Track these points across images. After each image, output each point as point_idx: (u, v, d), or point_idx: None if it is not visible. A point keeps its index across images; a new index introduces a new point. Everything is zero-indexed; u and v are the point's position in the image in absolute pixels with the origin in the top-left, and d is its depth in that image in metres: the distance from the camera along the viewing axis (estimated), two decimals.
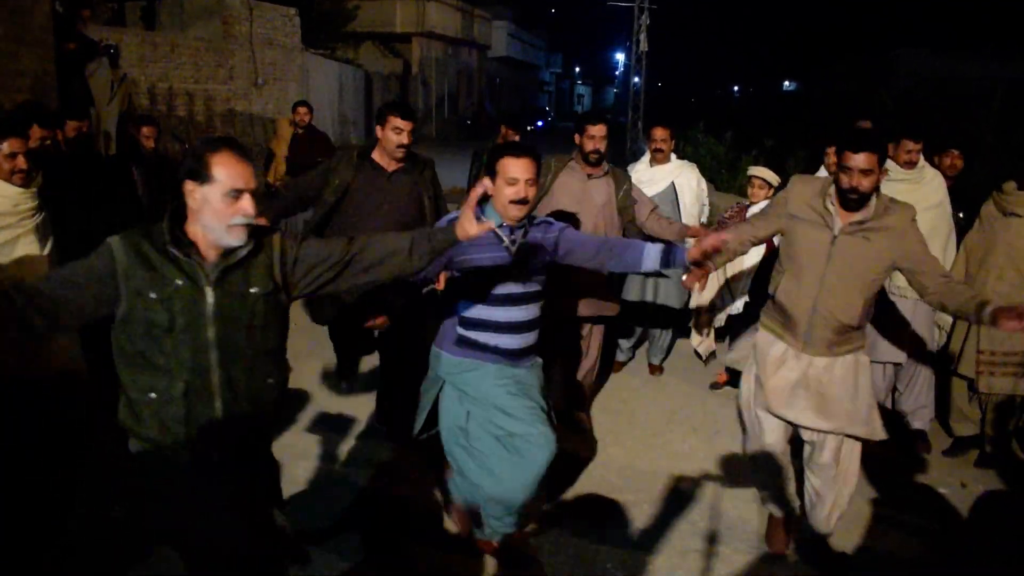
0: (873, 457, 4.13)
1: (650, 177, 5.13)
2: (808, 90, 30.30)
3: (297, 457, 4.00)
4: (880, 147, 2.89)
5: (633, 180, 5.13)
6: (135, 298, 2.01)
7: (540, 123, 37.26)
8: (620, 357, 5.54)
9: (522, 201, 2.76)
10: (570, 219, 3.92)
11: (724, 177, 13.32)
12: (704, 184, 5.39)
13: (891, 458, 4.25)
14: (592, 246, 2.89)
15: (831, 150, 4.67)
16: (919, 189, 4.10)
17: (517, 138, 5.86)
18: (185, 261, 2.03)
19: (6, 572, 2.88)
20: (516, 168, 2.76)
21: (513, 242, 2.81)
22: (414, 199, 3.95)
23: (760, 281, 4.70)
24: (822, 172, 4.86)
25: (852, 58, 22.36)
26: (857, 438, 3.14)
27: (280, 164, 7.58)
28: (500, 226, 2.79)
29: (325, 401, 4.71)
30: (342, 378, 4.96)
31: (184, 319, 2.02)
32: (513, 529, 3.12)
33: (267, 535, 2.26)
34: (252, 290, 2.10)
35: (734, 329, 5.20)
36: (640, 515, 3.64)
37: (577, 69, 74.77)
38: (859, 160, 2.82)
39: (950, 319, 4.30)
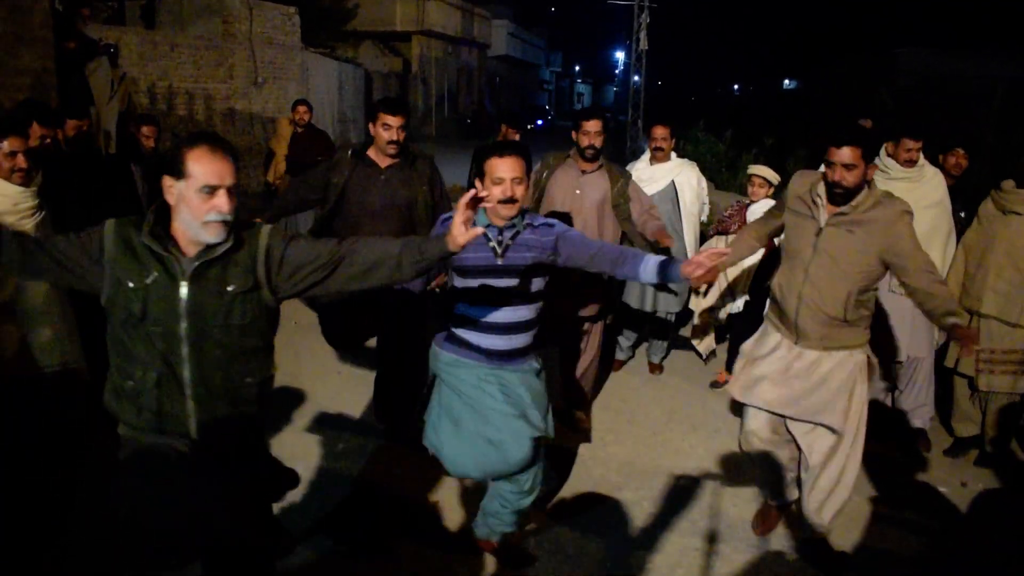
0: (873, 456, 4.14)
1: (650, 175, 5.14)
2: (808, 89, 30.27)
3: (297, 456, 4.00)
4: (864, 142, 2.96)
5: (633, 178, 5.16)
6: (116, 285, 2.06)
7: (540, 122, 37.24)
8: (620, 356, 5.54)
9: (510, 200, 2.75)
10: (564, 216, 3.96)
11: (724, 176, 13.34)
12: (704, 182, 5.39)
13: (891, 457, 4.26)
14: (591, 250, 2.83)
15: None
16: (919, 187, 4.11)
17: (517, 137, 5.85)
18: (163, 255, 2.05)
19: (6, 572, 2.88)
20: (502, 168, 2.75)
21: (500, 243, 2.81)
22: (407, 194, 3.96)
23: (760, 280, 4.72)
24: (823, 170, 4.86)
25: (852, 57, 22.38)
26: (831, 432, 3.17)
27: (280, 163, 7.57)
28: (488, 226, 2.80)
29: (325, 400, 4.71)
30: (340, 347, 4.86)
31: (157, 311, 2.05)
32: (513, 528, 3.13)
33: (243, 530, 2.24)
34: (229, 288, 2.09)
35: (734, 328, 5.21)
36: (640, 513, 3.64)
37: (577, 68, 74.77)
38: (841, 155, 2.92)
39: None
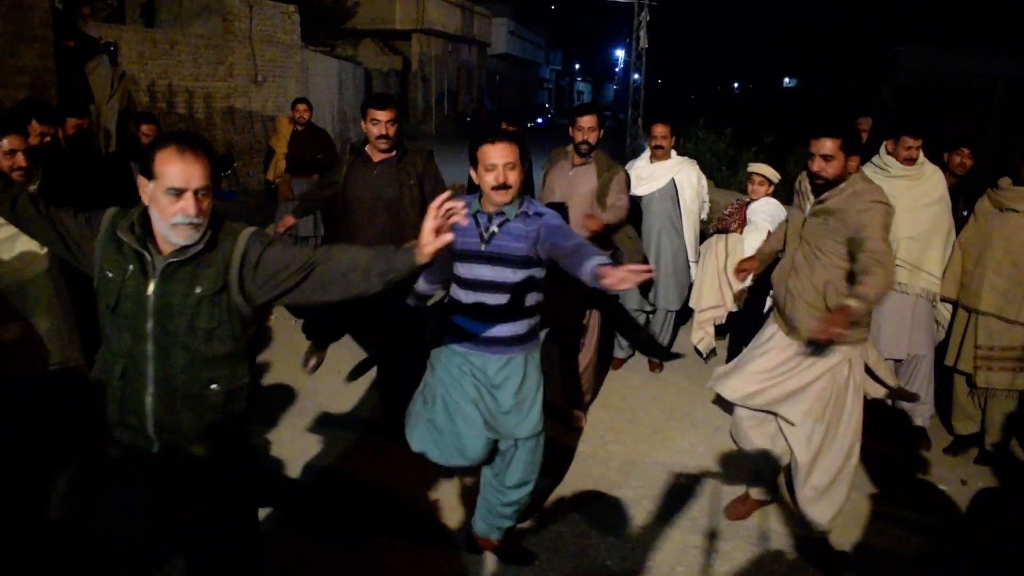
0: (873, 454, 4.14)
1: (650, 173, 5.15)
2: (808, 87, 30.29)
3: (297, 456, 4.00)
4: (844, 134, 3.02)
5: (633, 176, 5.17)
6: (101, 272, 2.10)
7: (540, 120, 37.22)
8: (620, 354, 5.54)
9: (503, 186, 2.76)
10: (560, 208, 4.02)
11: (724, 174, 13.32)
12: (704, 180, 5.40)
13: (891, 455, 4.26)
14: (563, 248, 2.71)
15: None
16: (919, 185, 4.11)
17: None
18: (140, 251, 2.06)
19: (6, 572, 2.88)
20: (494, 154, 2.76)
21: (487, 229, 2.83)
22: (396, 188, 3.96)
23: (760, 279, 4.72)
24: None
25: (852, 55, 22.36)
26: (817, 427, 3.20)
27: (280, 161, 7.56)
28: (478, 212, 2.85)
29: (325, 400, 4.71)
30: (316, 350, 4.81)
31: (127, 306, 2.07)
32: (508, 521, 3.13)
33: (206, 538, 2.21)
34: (197, 290, 2.05)
35: (735, 326, 5.21)
36: (640, 511, 3.65)
37: (577, 66, 74.72)
38: (820, 145, 3.01)
39: (948, 315, 4.31)
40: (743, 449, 3.47)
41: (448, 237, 2.00)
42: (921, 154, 4.12)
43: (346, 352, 5.34)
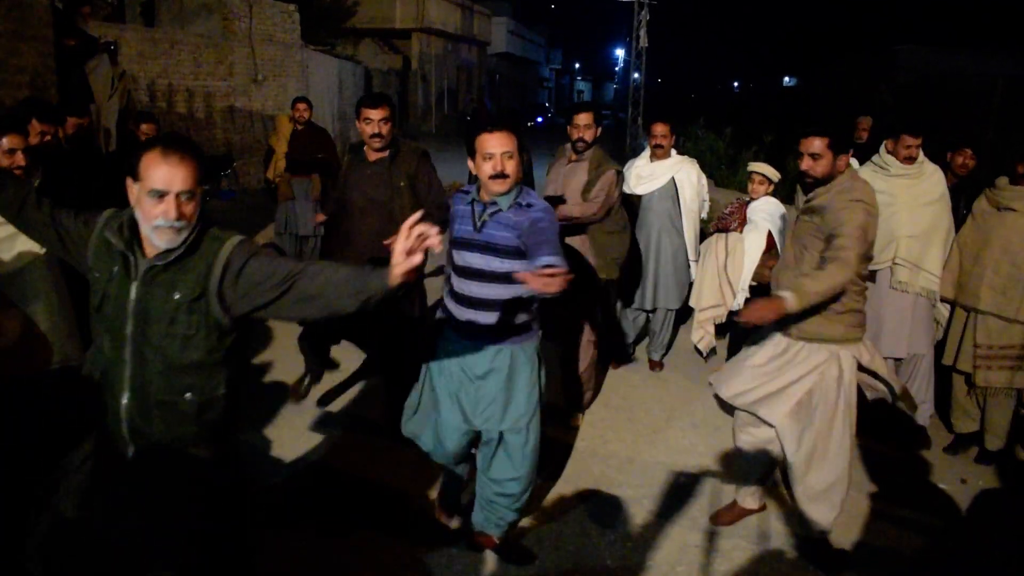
0: (873, 453, 4.15)
1: (650, 172, 5.15)
2: (808, 86, 30.25)
3: (296, 456, 4.00)
4: (832, 133, 3.02)
5: (633, 175, 5.18)
6: (91, 271, 2.12)
7: (540, 119, 37.24)
8: (620, 354, 5.53)
9: (500, 175, 2.75)
10: (558, 202, 4.13)
11: (724, 173, 13.33)
12: (704, 180, 5.40)
13: (891, 455, 4.26)
14: (531, 242, 2.69)
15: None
16: (919, 184, 4.11)
17: None
18: (125, 253, 2.05)
19: (6, 572, 2.88)
20: (491, 142, 2.77)
21: (479, 217, 2.85)
22: (386, 189, 3.95)
23: (760, 277, 4.73)
24: None
25: (852, 55, 22.35)
26: (809, 428, 3.19)
27: (280, 160, 7.55)
28: (474, 200, 2.87)
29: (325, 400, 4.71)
30: (312, 374, 4.79)
31: (110, 306, 2.06)
32: (506, 514, 3.12)
33: (180, 550, 2.17)
34: (176, 295, 2.02)
35: (735, 326, 5.21)
36: (640, 510, 3.65)
37: (577, 65, 74.77)
38: (808, 144, 3.02)
39: (947, 314, 4.31)
40: (740, 448, 3.47)
41: (418, 259, 1.87)
42: (921, 153, 4.13)
43: (346, 352, 5.34)
